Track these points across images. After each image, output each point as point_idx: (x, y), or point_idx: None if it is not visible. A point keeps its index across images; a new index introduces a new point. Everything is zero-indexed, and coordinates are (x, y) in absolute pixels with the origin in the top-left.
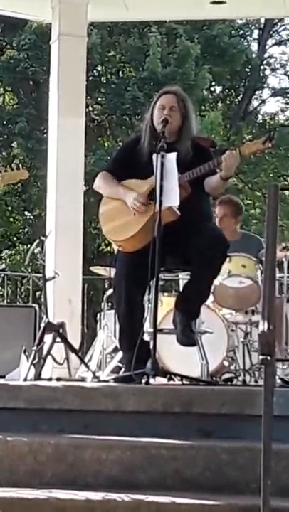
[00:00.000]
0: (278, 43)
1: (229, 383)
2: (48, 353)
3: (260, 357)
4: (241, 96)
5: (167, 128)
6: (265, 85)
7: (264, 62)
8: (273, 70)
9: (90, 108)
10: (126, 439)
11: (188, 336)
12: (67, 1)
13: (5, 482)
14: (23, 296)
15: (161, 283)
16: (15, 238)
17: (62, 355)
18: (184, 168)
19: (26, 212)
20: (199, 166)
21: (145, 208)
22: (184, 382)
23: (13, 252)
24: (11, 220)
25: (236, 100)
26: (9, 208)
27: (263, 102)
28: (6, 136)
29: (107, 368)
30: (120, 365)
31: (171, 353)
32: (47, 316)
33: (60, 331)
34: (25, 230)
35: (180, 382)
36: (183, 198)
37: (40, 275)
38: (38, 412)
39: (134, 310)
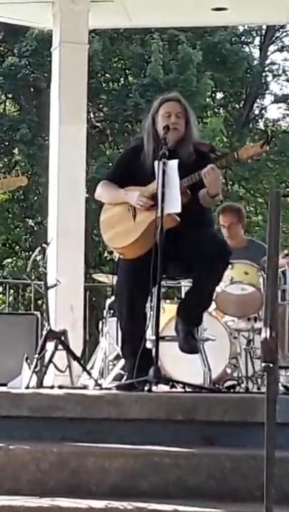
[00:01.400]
0: (280, 50)
1: (232, 390)
2: (50, 360)
3: (263, 364)
4: (243, 103)
5: (174, 135)
6: (267, 92)
7: (266, 68)
8: (275, 76)
9: (92, 115)
10: (128, 446)
11: (190, 344)
12: (68, 8)
13: (8, 490)
14: (25, 303)
15: (163, 290)
16: (16, 245)
17: (64, 362)
18: (186, 173)
19: (28, 219)
20: (196, 172)
21: (152, 202)
22: (187, 389)
23: (14, 259)
24: (13, 227)
25: (238, 107)
26: (10, 215)
27: (265, 108)
28: (7, 143)
29: (109, 376)
30: (122, 372)
31: (174, 361)
32: (49, 324)
33: (62, 338)
34: (27, 237)
35: (182, 390)
36: (183, 204)
37: (42, 282)
38: (40, 420)
39: (136, 317)
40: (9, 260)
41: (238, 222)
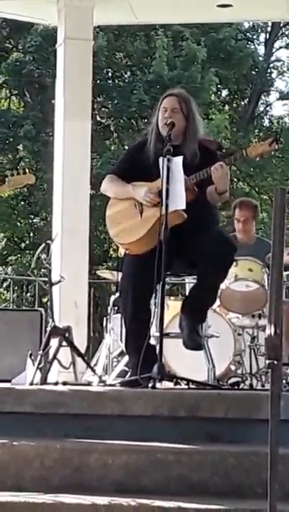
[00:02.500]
0: (285, 47)
1: (236, 387)
2: (54, 357)
3: (267, 361)
4: (248, 99)
5: (168, 130)
6: (272, 89)
7: (271, 65)
8: (280, 73)
9: (96, 111)
10: (132, 443)
11: (194, 340)
12: (73, 4)
13: (11, 486)
14: (29, 300)
15: (167, 287)
16: (21, 242)
17: (68, 359)
18: (191, 171)
19: (32, 216)
20: (204, 169)
21: (158, 199)
22: (191, 386)
23: (19, 256)
24: (17, 223)
25: (243, 103)
26: (15, 212)
27: (270, 105)
28: (12, 139)
29: (113, 372)
30: (126, 369)
31: (178, 357)
32: (53, 320)
33: (66, 335)
34: (32, 233)
35: (186, 387)
36: (189, 201)
37: (46, 279)
38: (44, 416)
39: (141, 314)
40: (13, 257)
41: (253, 218)
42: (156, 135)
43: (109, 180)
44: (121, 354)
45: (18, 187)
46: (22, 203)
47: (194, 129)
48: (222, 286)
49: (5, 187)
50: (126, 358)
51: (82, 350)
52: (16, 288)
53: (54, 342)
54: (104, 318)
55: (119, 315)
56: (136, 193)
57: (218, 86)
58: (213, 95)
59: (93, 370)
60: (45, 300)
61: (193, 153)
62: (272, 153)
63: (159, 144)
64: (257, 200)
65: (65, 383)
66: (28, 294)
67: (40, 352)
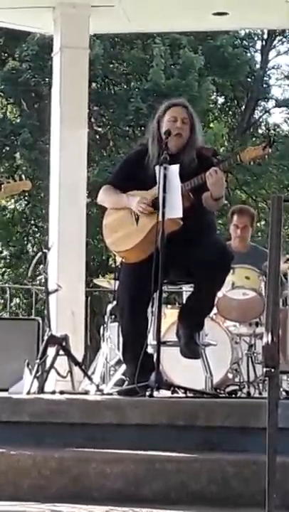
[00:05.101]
0: (281, 54)
1: (233, 396)
2: (52, 366)
3: (265, 369)
4: (244, 107)
5: (177, 141)
6: (269, 96)
7: (267, 72)
8: (277, 80)
9: (93, 119)
10: (130, 452)
11: (192, 349)
12: (69, 13)
13: (9, 496)
14: (26, 309)
15: (164, 295)
16: (18, 251)
17: (65, 368)
18: (188, 178)
19: (29, 225)
20: (199, 175)
21: (151, 209)
22: (188, 394)
23: (16, 264)
24: (14, 232)
25: (240, 111)
26: (12, 220)
27: (267, 112)
28: (8, 148)
29: (110, 381)
30: (124, 377)
31: (175, 366)
32: (50, 329)
33: (64, 343)
34: (28, 242)
35: (184, 395)
36: (185, 207)
37: (43, 288)
38: (41, 425)
39: (138, 322)
40: (10, 266)
41: (251, 225)
42: (159, 143)
43: (106, 191)
44: (118, 363)
45: (14, 193)
46: (20, 211)
47: (195, 139)
48: (219, 294)
49: (1, 193)
50: (123, 367)
51: (80, 358)
52: (13, 297)
53: (51, 351)
54: (102, 327)
55: (116, 323)
56: (130, 202)
57: (216, 94)
58: (210, 103)
59: (90, 379)
60: (42, 309)
61: (191, 161)
62: (270, 160)
63: (158, 152)
64: (254, 208)
65: (62, 392)
66: (25, 303)
67: (38, 361)
